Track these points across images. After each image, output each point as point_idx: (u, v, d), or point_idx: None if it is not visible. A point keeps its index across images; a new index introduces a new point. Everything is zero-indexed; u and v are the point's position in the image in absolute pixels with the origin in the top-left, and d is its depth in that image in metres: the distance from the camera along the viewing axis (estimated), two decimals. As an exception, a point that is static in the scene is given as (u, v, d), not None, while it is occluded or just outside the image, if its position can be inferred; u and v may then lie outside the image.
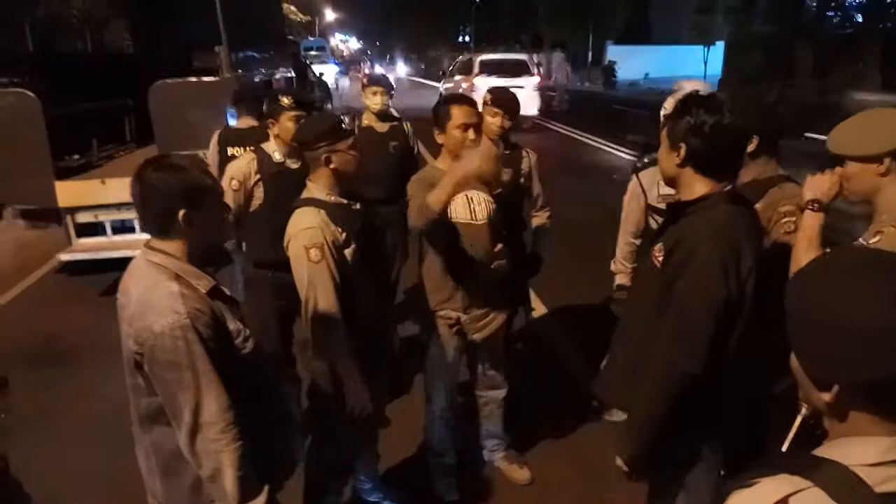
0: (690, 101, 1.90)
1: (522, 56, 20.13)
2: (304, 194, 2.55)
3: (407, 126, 4.65)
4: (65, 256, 6.05)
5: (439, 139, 2.88)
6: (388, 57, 74.46)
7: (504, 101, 3.30)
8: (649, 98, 20.52)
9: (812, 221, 2.04)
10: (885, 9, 18.83)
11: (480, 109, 3.32)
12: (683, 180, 1.95)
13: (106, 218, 6.01)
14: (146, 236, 1.84)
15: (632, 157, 10.58)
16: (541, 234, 3.66)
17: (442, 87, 21.55)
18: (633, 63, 31.97)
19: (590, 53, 35.74)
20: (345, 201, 2.56)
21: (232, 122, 4.89)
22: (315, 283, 2.40)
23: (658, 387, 1.88)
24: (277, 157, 3.51)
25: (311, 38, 42.03)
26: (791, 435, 1.76)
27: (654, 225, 3.01)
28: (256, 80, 8.75)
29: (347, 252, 2.51)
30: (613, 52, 34.16)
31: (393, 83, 4.76)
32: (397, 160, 4.43)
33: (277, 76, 10.35)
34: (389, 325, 3.04)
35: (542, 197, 3.61)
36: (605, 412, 3.80)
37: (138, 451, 1.91)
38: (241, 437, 1.76)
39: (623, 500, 3.11)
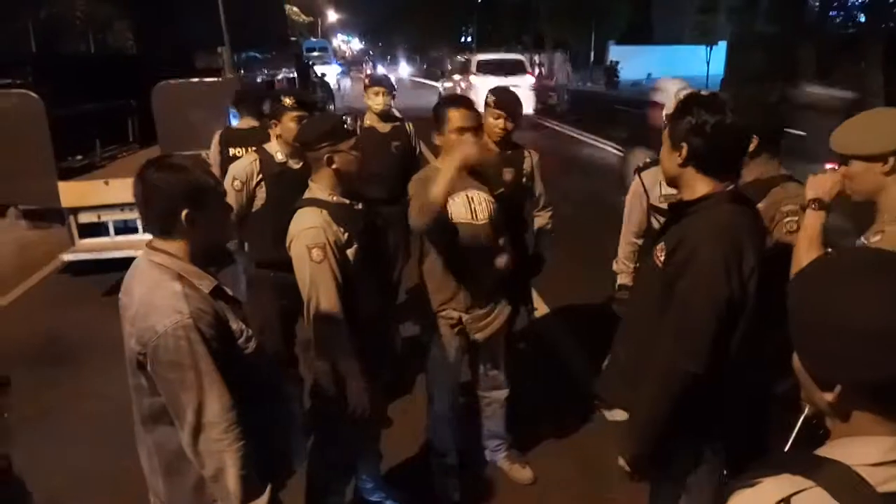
0: (692, 101, 1.90)
1: (518, 56, 20.70)
2: (307, 194, 2.55)
3: (409, 126, 4.65)
4: (68, 256, 6.06)
5: (437, 141, 2.89)
6: (388, 57, 74.47)
7: (507, 103, 3.29)
8: (650, 97, 20.49)
9: (814, 221, 2.04)
10: (888, 8, 18.77)
11: (482, 110, 3.32)
12: (685, 180, 1.95)
13: (109, 218, 6.02)
14: (149, 236, 1.84)
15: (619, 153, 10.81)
16: (543, 234, 3.66)
17: (441, 86, 22.08)
18: (635, 63, 31.91)
19: (592, 53, 35.70)
20: (347, 201, 2.56)
21: (234, 123, 4.90)
22: (317, 283, 2.41)
23: (660, 387, 1.88)
24: (280, 157, 3.52)
25: (314, 39, 42.06)
26: (793, 435, 1.76)
27: (656, 225, 3.01)
28: (259, 80, 8.75)
29: (350, 252, 2.51)
30: (615, 52, 34.10)
31: (394, 83, 4.76)
32: (399, 160, 4.43)
33: (280, 77, 10.35)
34: (391, 325, 3.03)
35: (545, 197, 3.61)
36: (607, 412, 3.80)
37: (141, 450, 1.91)
38: (243, 437, 1.76)
39: (625, 501, 3.11)
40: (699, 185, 1.92)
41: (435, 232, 2.77)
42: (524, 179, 3.46)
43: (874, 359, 0.90)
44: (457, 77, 19.76)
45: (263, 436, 1.90)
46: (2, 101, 5.60)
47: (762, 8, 22.61)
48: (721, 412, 1.99)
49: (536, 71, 26.57)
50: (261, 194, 3.51)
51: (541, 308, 5.18)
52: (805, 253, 1.97)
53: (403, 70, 60.03)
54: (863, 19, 20.31)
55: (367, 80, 4.74)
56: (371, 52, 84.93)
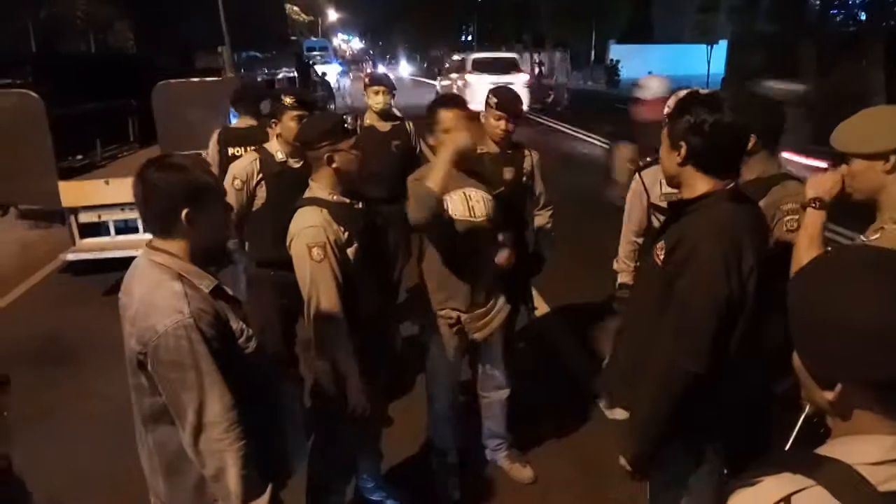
0: (690, 101, 1.90)
1: (512, 54, 21.35)
2: (307, 194, 2.55)
3: (409, 125, 4.65)
4: (68, 256, 6.07)
5: (431, 141, 2.89)
6: (387, 57, 74.41)
7: (508, 104, 3.28)
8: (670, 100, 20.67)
9: (814, 220, 2.04)
10: (889, 7, 18.74)
11: (478, 108, 3.32)
12: (685, 179, 1.95)
13: (109, 218, 6.03)
14: (150, 236, 1.84)
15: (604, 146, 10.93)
16: (543, 233, 3.66)
17: (438, 84, 22.78)
18: (636, 62, 31.87)
19: (593, 52, 35.69)
20: (347, 200, 2.56)
21: (233, 122, 4.90)
22: (317, 283, 2.41)
23: (659, 386, 1.87)
24: (280, 156, 3.52)
25: (314, 38, 42.05)
26: (794, 434, 1.76)
27: (656, 223, 3.01)
28: (259, 80, 8.76)
29: (350, 251, 2.51)
30: (616, 52, 34.09)
31: (394, 82, 4.76)
32: (399, 159, 4.43)
33: (280, 76, 10.36)
34: (391, 324, 3.03)
35: (545, 196, 3.61)
36: (608, 411, 3.80)
37: (141, 450, 1.91)
38: (244, 437, 1.76)
39: (626, 500, 3.11)
40: (699, 184, 1.92)
41: (433, 227, 2.76)
42: (524, 178, 3.46)
43: (874, 357, 0.90)
44: (453, 75, 20.43)
45: (264, 435, 1.90)
46: (2, 101, 5.61)
47: (763, 7, 22.60)
48: (721, 411, 1.99)
49: (536, 70, 26.63)
50: (261, 193, 3.51)
51: (541, 307, 5.18)
52: (805, 252, 1.97)
53: (404, 69, 60.07)
54: (863, 18, 20.27)
55: (367, 80, 4.74)
56: (371, 52, 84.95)
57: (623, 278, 3.37)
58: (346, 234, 2.49)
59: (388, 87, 4.56)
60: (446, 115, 2.83)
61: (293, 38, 18.89)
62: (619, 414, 3.23)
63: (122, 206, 5.84)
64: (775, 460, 1.00)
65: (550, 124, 18.23)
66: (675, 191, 2.08)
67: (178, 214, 1.73)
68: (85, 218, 6.03)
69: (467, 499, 3.31)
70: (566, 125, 17.73)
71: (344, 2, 78.69)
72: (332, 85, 21.44)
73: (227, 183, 3.41)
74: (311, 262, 2.38)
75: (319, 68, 21.63)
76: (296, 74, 12.29)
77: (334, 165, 2.49)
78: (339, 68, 31.42)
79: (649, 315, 1.97)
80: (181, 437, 1.75)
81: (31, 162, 5.64)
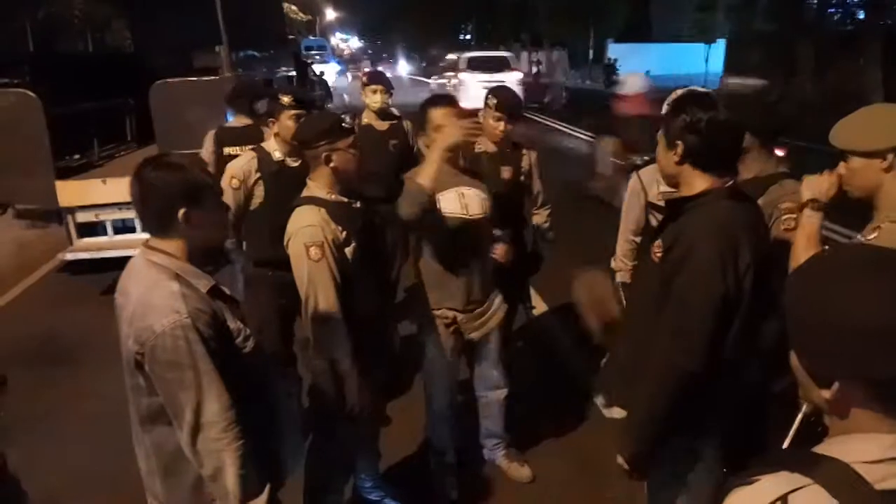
0: (685, 100, 1.90)
1: (505, 53, 21.80)
2: (305, 193, 2.55)
3: (407, 124, 4.65)
4: (66, 256, 6.05)
5: (424, 142, 2.90)
6: (384, 55, 74.27)
7: (507, 105, 3.28)
8: (648, 95, 20.88)
9: (811, 220, 2.05)
10: (886, 5, 18.78)
11: (482, 110, 3.32)
12: (683, 178, 1.95)
13: (107, 217, 6.02)
14: (147, 235, 1.84)
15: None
16: (541, 232, 3.66)
17: (434, 82, 23.16)
18: (633, 61, 31.84)
19: (591, 51, 35.69)
20: (345, 200, 2.56)
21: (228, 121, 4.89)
22: (315, 282, 2.40)
23: (657, 385, 1.87)
24: (277, 155, 3.51)
25: (312, 38, 42.04)
26: (792, 432, 1.76)
27: (654, 222, 3.01)
28: (257, 79, 8.75)
29: (348, 251, 2.51)
30: (614, 50, 34.05)
31: (392, 82, 4.76)
32: (397, 158, 4.42)
33: (278, 75, 10.35)
34: (390, 323, 3.03)
35: (543, 195, 3.61)
36: (605, 410, 3.80)
37: (138, 451, 1.91)
38: (242, 436, 1.76)
39: (624, 499, 3.11)
40: (697, 182, 1.92)
41: (423, 223, 2.76)
42: (522, 177, 3.46)
43: (872, 356, 0.90)
44: (448, 74, 20.90)
45: (262, 435, 1.90)
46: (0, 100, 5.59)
47: (761, 5, 22.62)
48: (718, 410, 1.99)
49: (534, 69, 26.67)
50: (259, 192, 3.50)
51: (539, 306, 5.18)
52: (803, 251, 1.98)
53: (403, 68, 60.01)
54: (861, 16, 20.29)
55: (364, 79, 4.74)
56: (370, 51, 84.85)
57: (621, 277, 3.36)
58: (344, 233, 2.49)
59: (386, 86, 4.56)
60: (437, 114, 2.86)
61: (291, 37, 18.88)
62: (617, 413, 3.23)
63: (119, 205, 5.82)
64: (773, 459, 1.00)
65: (548, 123, 18.27)
66: (673, 189, 2.08)
67: (175, 214, 1.73)
68: (82, 217, 6.02)
69: (465, 498, 3.31)
70: (563, 124, 17.79)
71: (342, 1, 78.66)
72: (329, 84, 21.45)
73: (224, 182, 3.40)
74: (309, 262, 2.38)
75: (317, 67, 21.63)
76: (294, 73, 12.28)
77: (332, 165, 2.48)
78: (338, 67, 31.39)
79: (647, 313, 1.97)
80: (179, 438, 1.75)
81: (28, 161, 5.63)
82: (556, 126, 17.59)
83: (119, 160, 7.01)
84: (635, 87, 8.57)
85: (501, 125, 3.28)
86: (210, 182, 1.83)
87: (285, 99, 3.46)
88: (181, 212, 1.73)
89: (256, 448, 1.82)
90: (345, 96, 23.45)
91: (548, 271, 3.77)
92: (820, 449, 0.97)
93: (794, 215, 2.27)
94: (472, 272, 2.92)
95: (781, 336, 1.03)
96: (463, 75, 18.96)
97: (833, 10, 22.12)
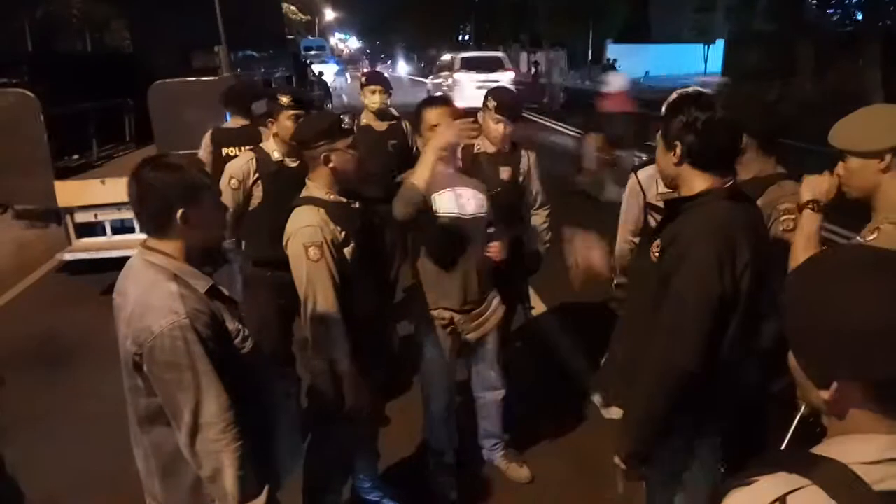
0: (682, 100, 1.90)
1: (498, 53, 22.32)
2: (304, 193, 2.55)
3: (406, 125, 4.64)
4: (64, 256, 6.05)
5: (419, 143, 2.90)
6: (382, 55, 74.27)
7: (507, 107, 3.27)
8: (646, 96, 21.07)
9: (810, 221, 2.04)
10: (886, 6, 18.79)
11: (481, 112, 3.32)
12: (682, 178, 1.95)
13: (105, 218, 6.01)
14: (146, 236, 1.84)
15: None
16: (540, 233, 3.66)
17: (430, 82, 23.41)
18: (632, 61, 31.89)
19: (590, 52, 35.68)
20: (344, 200, 2.56)
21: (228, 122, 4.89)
22: (314, 282, 2.40)
23: (654, 384, 1.87)
24: (276, 155, 3.51)
25: (311, 38, 41.99)
26: (790, 433, 1.76)
27: (653, 223, 3.01)
28: (256, 79, 8.74)
29: (347, 251, 2.51)
30: (613, 51, 34.04)
31: (391, 82, 4.76)
32: (396, 159, 4.42)
33: (277, 75, 10.33)
34: (388, 323, 3.03)
35: (542, 195, 3.61)
36: (604, 410, 3.80)
37: (137, 452, 1.91)
38: (241, 437, 1.76)
39: (623, 499, 3.11)
40: (696, 182, 1.92)
41: (417, 223, 2.77)
42: (521, 178, 3.46)
43: (870, 357, 0.90)
44: (444, 74, 21.25)
45: (261, 435, 1.90)
46: (-2, 101, 5.59)
47: (760, 6, 22.61)
48: (716, 410, 1.99)
49: (532, 70, 26.71)
50: (257, 193, 3.50)
51: (538, 307, 5.18)
52: (802, 252, 1.97)
53: (402, 69, 60.03)
54: (860, 17, 20.30)
55: (363, 79, 4.73)
56: (369, 51, 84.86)
57: (620, 278, 3.36)
58: (343, 233, 2.49)
59: (385, 86, 4.55)
60: (431, 114, 2.88)
61: (290, 37, 18.87)
62: (615, 413, 3.23)
63: (118, 205, 5.81)
64: (771, 460, 1.00)
65: (541, 121, 18.47)
66: (672, 191, 2.08)
67: (173, 214, 1.72)
68: (81, 218, 6.01)
69: (464, 499, 3.31)
70: (555, 121, 18.07)
71: (341, 1, 78.61)
72: (329, 84, 21.45)
73: (223, 182, 3.41)
74: (308, 262, 2.38)
75: (316, 68, 21.62)
76: (292, 74, 12.26)
77: (331, 165, 2.48)
78: (336, 68, 31.37)
79: (646, 313, 1.97)
80: (177, 439, 1.75)
81: (27, 161, 5.63)
82: (548, 124, 17.83)
83: (118, 160, 7.01)
84: (618, 85, 8.82)
85: (501, 127, 3.28)
86: (208, 182, 1.83)
87: (284, 99, 3.46)
88: (179, 212, 1.73)
89: (255, 449, 1.83)
90: (343, 97, 23.47)
91: (547, 271, 3.77)
92: (818, 450, 0.97)
93: (794, 216, 2.27)
94: (469, 272, 2.92)
95: (780, 337, 1.03)
96: (458, 75, 19.36)
97: (832, 10, 22.13)
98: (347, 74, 36.02)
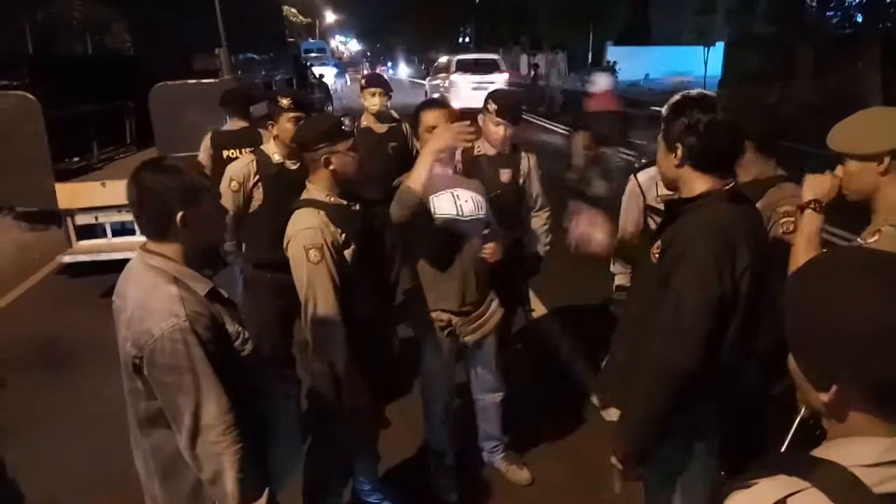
0: (684, 102, 1.91)
1: (493, 56, 23.00)
2: (304, 195, 2.55)
3: (405, 127, 4.65)
4: (65, 258, 6.05)
5: (418, 146, 2.91)
6: (381, 58, 74.25)
7: (507, 110, 3.28)
8: (646, 98, 21.25)
9: (811, 222, 2.04)
10: (885, 9, 18.81)
11: (482, 114, 3.32)
12: (684, 180, 1.96)
13: (106, 220, 6.01)
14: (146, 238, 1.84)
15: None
16: (540, 235, 3.66)
17: (428, 83, 24.11)
18: (633, 64, 31.91)
19: (590, 54, 35.68)
20: (344, 202, 2.56)
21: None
22: (314, 284, 2.40)
23: (653, 383, 1.87)
24: (277, 158, 3.51)
25: (311, 40, 42.01)
26: (790, 436, 1.76)
27: (653, 225, 3.01)
28: (256, 81, 8.75)
29: (347, 253, 2.51)
30: (613, 53, 34.07)
31: (391, 84, 4.77)
32: (396, 161, 4.42)
33: (277, 78, 10.35)
34: (389, 325, 3.03)
35: (542, 197, 3.61)
36: (605, 412, 3.79)
37: (136, 454, 1.90)
38: (241, 440, 1.75)
39: (620, 499, 3.10)
40: (697, 184, 1.92)
41: (414, 225, 2.77)
42: (521, 180, 3.46)
43: (870, 359, 0.90)
44: (441, 76, 21.87)
45: (261, 438, 1.90)
46: (-1, 103, 5.59)
47: (760, 9, 22.61)
48: (717, 411, 1.99)
49: (532, 73, 26.76)
50: (258, 195, 3.51)
51: (538, 309, 5.18)
52: (803, 254, 1.97)
53: (402, 71, 60.07)
54: (860, 19, 20.31)
55: (363, 81, 4.74)
56: (369, 53, 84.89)
57: (620, 280, 3.37)
58: (344, 235, 2.49)
59: (385, 88, 4.56)
60: (429, 116, 2.89)
61: (290, 39, 18.90)
62: (615, 414, 3.23)
63: (118, 207, 5.81)
64: (771, 462, 1.00)
65: (534, 120, 18.62)
66: (672, 193, 2.08)
67: (173, 217, 1.72)
68: (81, 220, 6.01)
69: (464, 500, 3.30)
70: (548, 121, 18.45)
71: (341, 4, 78.66)
72: (329, 87, 21.49)
73: (223, 185, 3.41)
74: (308, 264, 2.38)
75: (317, 70, 21.65)
76: (293, 76, 12.28)
77: (331, 167, 2.49)
78: (336, 70, 31.37)
79: (646, 314, 1.97)
80: (177, 441, 1.75)
81: (27, 164, 5.63)
82: (541, 123, 18.13)
83: (118, 163, 7.01)
84: (603, 85, 9.12)
85: (501, 129, 3.28)
86: (207, 185, 1.83)
87: (284, 102, 3.46)
88: (179, 215, 1.73)
89: (255, 451, 1.82)
90: (343, 99, 23.49)
91: (547, 274, 3.77)
92: (818, 452, 0.97)
93: (793, 218, 2.27)
94: (467, 273, 2.93)
95: (780, 339, 1.03)
96: (454, 77, 20.00)
97: (832, 13, 22.13)
98: (347, 76, 36.04)
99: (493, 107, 3.27)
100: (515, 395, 3.40)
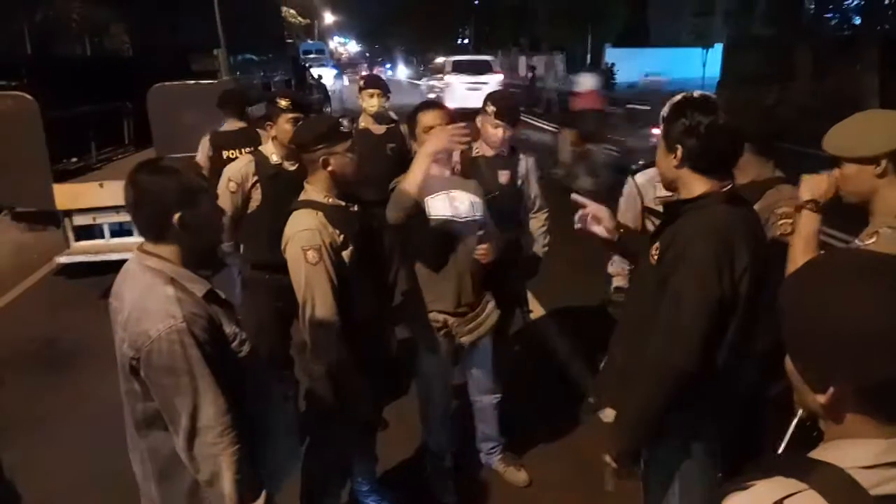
0: (684, 104, 1.91)
1: (487, 57, 23.76)
2: (302, 196, 2.55)
3: (404, 128, 4.64)
4: (63, 259, 6.05)
5: (415, 147, 2.91)
6: (380, 59, 74.27)
7: (506, 112, 3.27)
8: (599, 92, 21.59)
9: (809, 222, 2.04)
10: (883, 11, 18.83)
11: (480, 116, 3.32)
12: (683, 181, 1.96)
13: (104, 221, 6.01)
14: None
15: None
16: (538, 236, 3.65)
17: (424, 84, 24.91)
18: (631, 65, 31.92)
19: (588, 56, 35.72)
20: (342, 203, 2.56)
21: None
22: (313, 285, 2.40)
23: (651, 384, 1.87)
24: (275, 159, 3.51)
25: (310, 41, 42.04)
26: (787, 437, 1.76)
27: (650, 227, 3.01)
28: (255, 82, 8.75)
29: (345, 254, 2.51)
30: (612, 55, 34.11)
31: (389, 85, 4.77)
32: (394, 162, 4.42)
33: (276, 79, 10.34)
34: (387, 327, 3.03)
35: (540, 199, 3.61)
36: (602, 413, 3.79)
37: (133, 456, 1.90)
38: (238, 441, 1.75)
39: (618, 499, 3.10)
40: (696, 186, 1.93)
41: (409, 226, 2.77)
42: (520, 182, 3.46)
43: (867, 361, 0.90)
44: (437, 76, 22.53)
45: (258, 439, 1.90)
46: (-3, 104, 5.59)
47: (758, 11, 22.64)
48: (714, 411, 1.99)
49: (530, 74, 26.85)
50: (256, 196, 3.50)
51: (536, 310, 5.17)
52: (801, 255, 1.97)
53: (401, 72, 60.08)
54: (859, 21, 20.34)
55: (361, 83, 4.74)
56: (368, 54, 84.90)
57: (618, 282, 3.37)
58: (342, 236, 2.49)
59: (383, 89, 4.56)
60: (425, 117, 2.90)
61: (289, 41, 18.90)
62: (611, 415, 3.22)
63: (116, 208, 5.80)
64: (768, 464, 1.00)
65: (528, 119, 18.72)
66: (670, 194, 2.08)
67: (170, 218, 1.72)
68: (79, 220, 6.01)
69: (462, 502, 3.30)
70: (540, 120, 18.51)
71: (340, 5, 78.67)
72: (328, 88, 21.51)
73: (222, 185, 3.41)
74: (307, 265, 2.38)
75: (315, 71, 21.66)
76: (292, 77, 12.27)
77: (330, 168, 2.48)
78: (334, 71, 31.38)
79: (644, 315, 1.97)
80: (175, 443, 1.74)
81: (25, 164, 5.63)
82: (533, 122, 18.22)
83: (116, 163, 7.01)
84: (587, 84, 9.45)
85: (500, 131, 3.28)
86: (205, 186, 1.83)
87: (283, 103, 3.46)
88: (176, 216, 1.72)
89: (253, 452, 1.82)
90: (342, 100, 23.52)
91: (545, 275, 3.77)
92: (815, 454, 0.97)
93: (791, 220, 2.27)
94: (463, 274, 2.93)
95: (777, 340, 1.03)
96: (449, 77, 20.49)
97: (830, 15, 22.17)
98: (346, 78, 36.04)
99: (491, 108, 3.26)
100: (513, 397, 3.40)
